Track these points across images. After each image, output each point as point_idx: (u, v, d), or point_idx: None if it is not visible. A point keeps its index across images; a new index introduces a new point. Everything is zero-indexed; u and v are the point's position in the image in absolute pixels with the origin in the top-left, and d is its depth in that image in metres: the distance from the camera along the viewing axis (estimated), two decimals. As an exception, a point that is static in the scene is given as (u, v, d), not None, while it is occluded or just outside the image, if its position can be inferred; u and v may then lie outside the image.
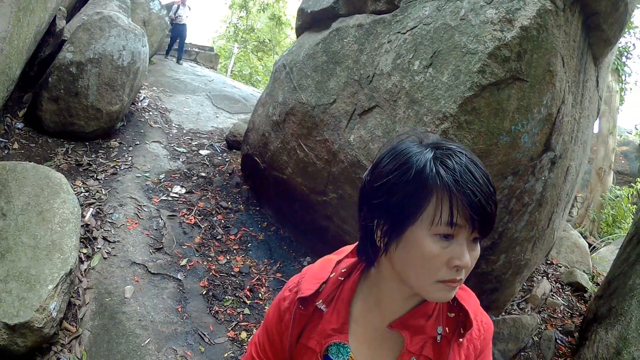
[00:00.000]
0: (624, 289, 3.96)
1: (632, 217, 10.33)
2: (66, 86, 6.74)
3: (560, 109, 3.86)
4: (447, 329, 1.14)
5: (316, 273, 1.24)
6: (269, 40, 26.81)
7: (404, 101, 4.04)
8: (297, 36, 6.66)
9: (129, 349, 4.03)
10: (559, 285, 6.33)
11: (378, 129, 4.27)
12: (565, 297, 6.03)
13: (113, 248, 4.93)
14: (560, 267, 6.92)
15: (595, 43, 4.55)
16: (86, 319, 4.19)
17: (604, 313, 4.15)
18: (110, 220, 5.27)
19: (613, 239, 8.87)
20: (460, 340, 1.14)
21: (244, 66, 25.37)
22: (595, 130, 11.43)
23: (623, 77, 12.62)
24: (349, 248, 1.29)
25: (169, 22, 13.24)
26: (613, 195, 10.47)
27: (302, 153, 5.31)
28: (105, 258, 4.78)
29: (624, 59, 12.63)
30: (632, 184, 11.76)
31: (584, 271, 6.66)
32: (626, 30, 12.50)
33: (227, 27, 24.52)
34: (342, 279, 1.21)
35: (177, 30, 14.46)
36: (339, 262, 1.26)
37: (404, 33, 4.22)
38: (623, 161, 14.39)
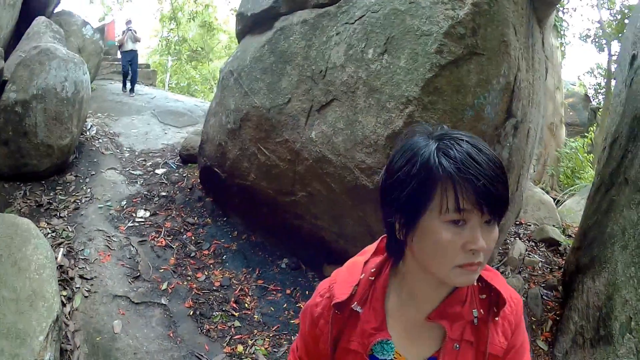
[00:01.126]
0: (603, 237, 4.14)
1: (590, 166, 10.75)
2: (14, 127, 6.59)
3: (516, 76, 4.00)
4: (481, 310, 1.19)
5: (347, 277, 1.26)
6: (202, 49, 26.79)
7: (362, 91, 4.11)
8: (239, 41, 6.63)
9: None
10: (533, 244, 6.52)
11: (340, 121, 4.33)
12: (541, 253, 6.23)
13: (92, 285, 4.86)
14: (530, 225, 7.14)
15: (539, 7, 4.71)
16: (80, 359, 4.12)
17: (586, 263, 4.33)
18: (83, 257, 5.19)
19: (576, 190, 9.19)
20: (496, 319, 1.19)
21: (181, 78, 25.15)
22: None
23: (562, 32, 13.17)
24: (371, 248, 1.33)
25: (103, 46, 12.71)
26: (569, 148, 10.87)
27: (263, 157, 5.32)
28: (86, 297, 4.71)
29: (560, 14, 13.16)
30: (584, 134, 12.25)
31: (554, 225, 6.88)
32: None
33: (160, 41, 24.24)
34: (373, 278, 1.24)
35: (125, 60, 13.14)
36: (366, 262, 1.28)
37: (353, 23, 4.29)
38: (571, 113, 14.92)
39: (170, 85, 23.74)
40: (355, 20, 4.27)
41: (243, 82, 5.54)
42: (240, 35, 6.46)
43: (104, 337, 4.33)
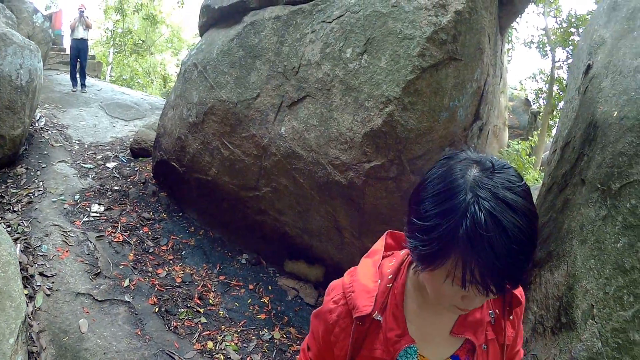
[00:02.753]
0: (561, 234, 4.41)
1: (532, 168, 11.30)
2: None
3: (486, 81, 4.21)
4: (497, 310, 1.25)
5: (365, 286, 1.24)
6: (143, 41, 26.40)
7: (339, 89, 4.20)
8: (202, 34, 6.59)
9: None
10: None
11: (313, 118, 4.41)
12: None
13: (53, 283, 4.74)
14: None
15: (505, 16, 4.97)
16: None
17: (543, 257, 4.59)
18: (41, 253, 5.07)
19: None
20: (511, 317, 1.27)
21: (123, 71, 24.67)
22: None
23: (510, 38, 13.80)
24: (379, 247, 1.34)
25: (52, 34, 12.14)
26: (512, 150, 11.40)
27: (227, 151, 5.34)
28: (48, 295, 4.59)
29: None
30: (525, 137, 12.87)
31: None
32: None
33: (105, 32, 23.76)
34: (390, 285, 1.25)
35: (74, 48, 12.42)
36: (379, 266, 1.29)
37: (330, 22, 4.36)
38: (511, 116, 15.62)
39: (111, 77, 23.19)
40: (333, 20, 4.35)
41: (209, 75, 5.52)
42: (204, 28, 6.43)
43: (71, 337, 4.23)
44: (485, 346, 1.23)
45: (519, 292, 1.27)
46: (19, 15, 10.60)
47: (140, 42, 26.01)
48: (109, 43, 24.30)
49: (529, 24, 58.10)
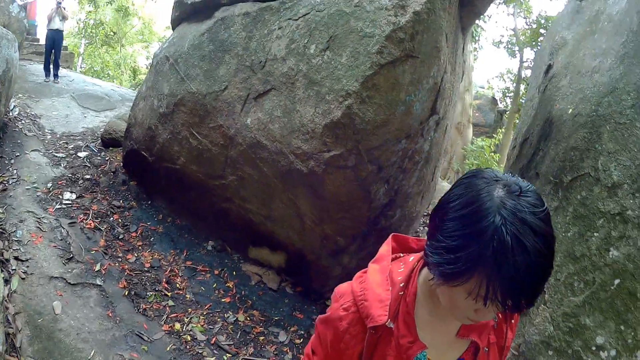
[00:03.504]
0: None
1: (496, 164, 11.70)
2: None
3: (443, 77, 4.52)
4: (499, 315, 1.30)
5: (378, 295, 1.26)
6: (114, 33, 26.38)
7: (302, 83, 4.46)
8: (174, 28, 6.80)
9: None
10: None
11: (277, 109, 4.67)
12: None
13: (28, 267, 4.96)
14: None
15: (466, 16, 5.30)
16: (24, 346, 4.21)
17: None
18: (16, 238, 5.28)
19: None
20: (512, 321, 1.35)
21: (94, 62, 24.64)
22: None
23: (476, 37, 14.18)
24: (386, 253, 1.37)
25: (26, 24, 12.13)
26: (475, 146, 11.80)
27: (195, 141, 5.58)
28: (23, 279, 4.80)
29: (479, 21, 14.20)
30: (490, 135, 13.29)
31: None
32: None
33: (77, 23, 23.69)
34: (402, 293, 1.27)
35: (50, 39, 12.48)
36: (390, 272, 1.31)
37: (296, 19, 4.63)
38: (477, 114, 16.03)
39: (82, 69, 23.12)
40: (299, 17, 4.62)
41: (180, 68, 5.74)
42: (177, 22, 6.64)
43: (45, 318, 4.44)
44: (486, 349, 1.29)
45: None
46: None
47: (112, 34, 26.01)
48: (80, 34, 24.23)
49: (498, 24, 58.68)
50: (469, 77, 11.87)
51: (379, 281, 1.28)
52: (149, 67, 7.28)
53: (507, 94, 19.74)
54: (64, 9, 12.50)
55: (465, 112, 12.13)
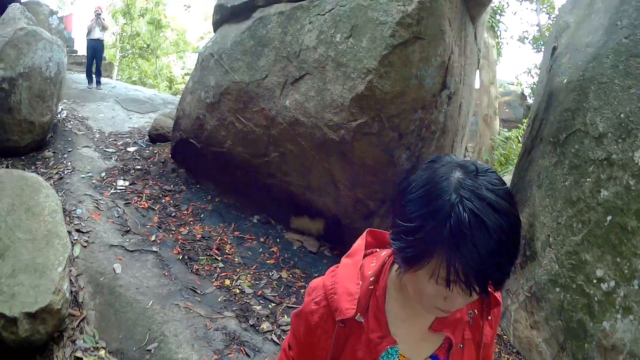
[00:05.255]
0: (524, 184, 5.60)
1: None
2: (0, 103, 7.26)
3: (450, 57, 5.46)
4: (475, 310, 1.34)
5: (347, 288, 1.30)
6: (147, 45, 28.11)
7: (331, 66, 5.46)
8: (216, 29, 7.89)
9: (136, 314, 4.80)
10: None
11: (311, 90, 5.66)
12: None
13: (88, 237, 5.72)
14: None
15: (472, 7, 6.27)
16: (86, 300, 4.88)
17: None
18: (77, 216, 6.05)
19: (507, 173, 10.70)
20: (489, 318, 1.37)
21: (132, 72, 26.09)
22: (478, 84, 13.66)
23: (498, 32, 15.04)
24: (359, 248, 1.42)
25: (66, 36, 13.28)
26: (503, 137, 12.51)
27: (240, 125, 6.58)
28: (84, 246, 5.53)
29: (498, 17, 15.05)
30: (519, 126, 13.94)
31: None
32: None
33: (113, 34, 25.27)
34: (372, 287, 1.31)
35: (91, 48, 13.65)
36: (361, 267, 1.35)
37: (324, 14, 5.65)
38: (507, 110, 16.70)
39: (118, 79, 24.60)
40: (326, 12, 5.64)
41: (224, 62, 6.78)
42: (218, 24, 7.72)
43: (106, 277, 5.14)
44: (461, 345, 1.31)
45: (497, 293, 1.33)
46: (36, 17, 11.54)
47: (145, 46, 27.69)
48: (115, 46, 25.76)
49: (522, 21, 59.62)
50: (493, 71, 12.70)
51: (349, 275, 1.33)
52: (195, 65, 8.32)
53: (535, 89, 20.27)
54: (103, 19, 13.76)
55: (492, 104, 12.94)
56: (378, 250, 1.43)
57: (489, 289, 1.08)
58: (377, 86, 5.16)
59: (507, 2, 15.78)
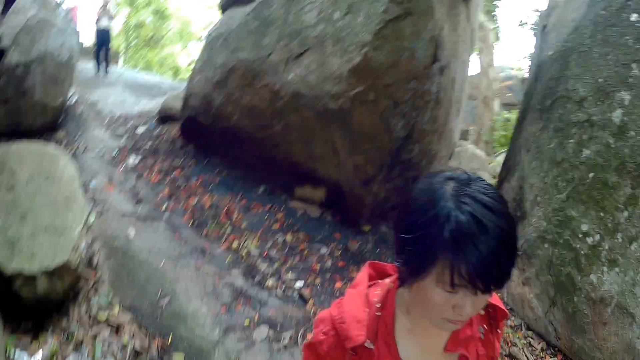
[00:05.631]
0: (515, 150, 6.07)
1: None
2: (15, 87, 7.49)
3: (440, 32, 5.94)
4: (484, 325, 1.37)
5: (355, 316, 1.33)
6: (152, 36, 28.70)
7: (330, 41, 5.94)
8: (223, 12, 8.48)
9: (149, 272, 5.21)
10: None
11: (312, 64, 6.13)
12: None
13: (103, 206, 6.12)
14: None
15: None
16: (101, 263, 5.19)
17: (505, 174, 6.29)
18: (91, 187, 6.48)
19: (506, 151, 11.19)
20: (498, 331, 1.39)
21: (137, 61, 26.74)
22: (477, 67, 14.16)
23: (495, 17, 15.60)
24: (363, 279, 1.45)
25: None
26: (502, 118, 12.91)
27: (246, 100, 7.08)
28: (100, 215, 5.90)
29: (495, 2, 15.65)
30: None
31: (485, 173, 8.86)
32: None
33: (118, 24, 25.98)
34: (379, 313, 1.33)
35: (99, 37, 14.24)
36: (366, 296, 1.38)
37: (323, -6, 6.17)
38: (509, 94, 17.09)
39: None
40: (325, -8, 6.16)
41: (230, 42, 7.28)
42: (224, 7, 8.32)
43: (120, 241, 5.53)
44: None
45: (503, 305, 1.38)
46: (44, 8, 12.06)
47: (151, 36, 28.30)
48: (120, 35, 26.31)
49: (524, 6, 60.45)
50: (490, 53, 13.17)
51: (355, 304, 1.36)
52: (202, 47, 8.84)
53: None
54: (110, 8, 14.32)
55: (490, 86, 13.40)
56: (380, 281, 1.45)
57: (493, 292, 1.12)
58: (372, 57, 5.61)
59: (506, -14, 16.34)
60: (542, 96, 5.62)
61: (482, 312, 1.36)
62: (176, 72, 28.81)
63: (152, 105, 11.17)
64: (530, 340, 5.30)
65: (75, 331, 4.53)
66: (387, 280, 1.41)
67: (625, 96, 4.56)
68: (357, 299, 1.37)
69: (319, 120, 6.31)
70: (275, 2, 6.81)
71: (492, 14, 15.03)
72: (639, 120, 4.44)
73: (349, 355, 1.31)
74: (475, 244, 1.02)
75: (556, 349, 5.15)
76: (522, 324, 5.49)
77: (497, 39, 16.65)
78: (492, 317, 1.39)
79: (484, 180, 1.14)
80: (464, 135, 14.50)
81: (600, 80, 4.79)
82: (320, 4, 6.16)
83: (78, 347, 4.47)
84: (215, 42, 7.77)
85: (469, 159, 9.67)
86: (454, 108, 7.08)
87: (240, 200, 7.18)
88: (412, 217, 1.13)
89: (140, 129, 9.37)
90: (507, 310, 1.39)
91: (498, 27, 16.92)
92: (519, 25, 19.63)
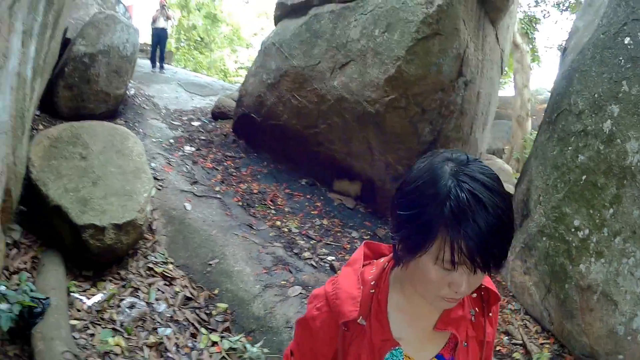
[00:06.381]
0: (529, 158, 6.90)
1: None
2: (80, 75, 8.36)
3: (465, 51, 7.10)
4: (476, 308, 1.47)
5: (349, 292, 1.39)
6: (201, 39, 30.38)
7: (370, 54, 7.18)
8: (276, 23, 9.80)
9: (201, 239, 6.21)
10: None
11: (355, 73, 7.38)
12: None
13: (162, 183, 7.16)
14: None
15: (491, 11, 7.93)
16: (159, 228, 6.22)
17: (519, 181, 7.14)
18: (151, 167, 7.19)
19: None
20: (490, 315, 1.48)
21: (187, 63, 28.47)
22: (513, 90, 15.04)
23: (533, 39, 16.55)
24: (359, 257, 1.53)
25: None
26: (534, 137, 13.71)
27: (295, 101, 8.36)
28: (159, 189, 6.90)
29: (533, 24, 16.59)
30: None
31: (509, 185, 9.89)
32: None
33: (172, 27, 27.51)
34: (373, 291, 1.41)
35: (156, 36, 15.62)
36: (361, 274, 1.46)
37: (366, 14, 7.41)
38: (546, 117, 17.92)
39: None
40: (368, 12, 7.39)
41: (284, 50, 8.60)
42: (279, 19, 9.64)
43: (178, 212, 6.59)
44: (465, 343, 1.41)
45: (497, 289, 1.46)
46: (104, 4, 12.72)
47: (199, 39, 30.00)
48: (172, 37, 27.76)
49: (563, 30, 60.35)
50: (526, 74, 14.15)
51: (350, 281, 1.42)
52: (258, 53, 10.12)
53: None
54: (168, 10, 15.75)
55: (524, 106, 14.32)
56: (375, 260, 1.52)
57: (491, 266, 1.14)
58: (404, 70, 6.82)
59: (548, 12, 17.26)
60: (551, 110, 6.46)
61: (475, 295, 1.46)
62: (225, 75, 30.22)
63: (205, 103, 12.48)
64: (527, 323, 5.91)
65: (132, 280, 5.37)
66: (383, 260, 1.49)
67: (615, 109, 5.18)
68: (352, 277, 1.44)
69: (357, 122, 7.52)
70: (325, 17, 8.08)
71: (530, 36, 15.96)
72: (624, 130, 5.03)
73: (341, 331, 1.38)
74: (474, 220, 1.07)
75: (549, 333, 5.71)
76: (521, 309, 6.13)
77: (537, 60, 17.59)
78: (485, 300, 1.47)
79: (481, 162, 1.20)
80: (499, 154, 15.45)
81: (595, 95, 5.46)
82: (363, 22, 7.37)
83: (134, 292, 5.26)
84: (270, 48, 9.07)
85: (496, 172, 10.73)
86: (480, 120, 8.21)
87: (285, 189, 8.37)
88: (411, 195, 1.19)
89: (195, 123, 10.65)
90: (499, 294, 1.47)
91: (536, 49, 18.00)
92: (558, 48, 20.49)
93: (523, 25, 15.69)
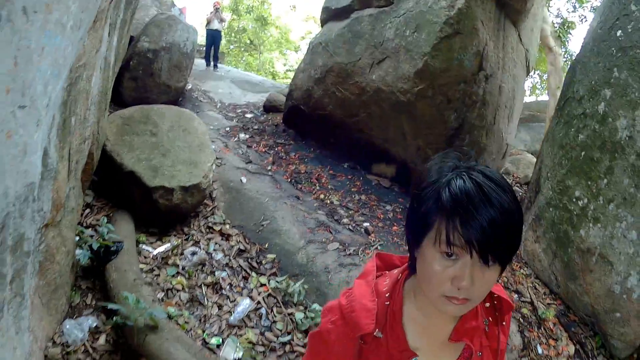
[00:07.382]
0: (543, 145, 7.82)
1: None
2: (143, 68, 9.57)
3: (484, 48, 8.46)
4: (489, 318, 1.55)
5: (364, 305, 1.45)
6: (251, 41, 32.11)
7: (402, 51, 8.62)
8: (322, 25, 11.41)
9: (255, 205, 7.23)
10: (518, 186, 11.11)
11: (390, 68, 8.86)
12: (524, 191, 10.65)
13: (221, 161, 8.26)
14: (519, 178, 11.71)
15: (510, 12, 9.28)
16: (218, 196, 7.21)
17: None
18: (210, 149, 7.53)
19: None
20: (503, 324, 1.57)
21: (238, 64, 30.53)
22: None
23: (566, 42, 17.65)
24: (371, 269, 1.61)
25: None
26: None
27: (339, 94, 9.89)
28: (218, 166, 7.90)
29: (565, 27, 17.74)
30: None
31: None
32: (579, 4, 17.74)
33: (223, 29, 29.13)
34: (388, 303, 1.48)
35: (210, 37, 17.17)
36: (375, 285, 1.53)
37: (399, 17, 8.86)
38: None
39: (226, 68, 28.15)
40: (401, 15, 8.80)
41: (329, 48, 10.21)
42: (325, 21, 11.27)
43: (235, 183, 7.65)
44: (480, 353, 1.48)
45: (510, 298, 1.59)
46: (161, 6, 14.32)
47: (249, 41, 31.74)
48: (226, 38, 29.60)
49: None
50: (559, 76, 15.01)
51: (364, 293, 1.48)
52: (306, 51, 11.65)
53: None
54: (222, 12, 17.36)
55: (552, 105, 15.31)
56: (387, 272, 1.62)
57: (488, 263, 1.22)
58: (430, 64, 8.07)
59: (585, 17, 18.34)
60: (560, 98, 7.50)
61: (488, 305, 1.55)
62: (273, 77, 31.38)
63: (257, 99, 13.92)
64: (537, 285, 6.61)
65: (194, 235, 6.29)
66: (395, 271, 1.58)
67: (608, 92, 5.86)
68: (367, 289, 1.51)
69: (392, 110, 8.93)
70: (364, 20, 9.54)
71: (562, 39, 16.98)
72: (615, 110, 5.70)
73: (358, 344, 1.46)
74: (474, 206, 1.17)
75: (557, 295, 6.33)
76: (532, 274, 6.85)
77: (568, 62, 18.65)
78: (498, 309, 1.56)
79: (487, 167, 1.30)
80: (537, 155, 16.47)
81: (592, 82, 6.19)
82: (397, 24, 8.76)
83: (195, 244, 6.17)
84: (317, 47, 10.72)
85: (525, 165, 12.26)
86: (503, 112, 9.45)
87: (329, 170, 9.73)
88: (422, 193, 1.32)
89: (248, 115, 12.16)
90: (512, 303, 1.55)
91: (570, 52, 19.25)
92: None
93: (556, 29, 16.80)
